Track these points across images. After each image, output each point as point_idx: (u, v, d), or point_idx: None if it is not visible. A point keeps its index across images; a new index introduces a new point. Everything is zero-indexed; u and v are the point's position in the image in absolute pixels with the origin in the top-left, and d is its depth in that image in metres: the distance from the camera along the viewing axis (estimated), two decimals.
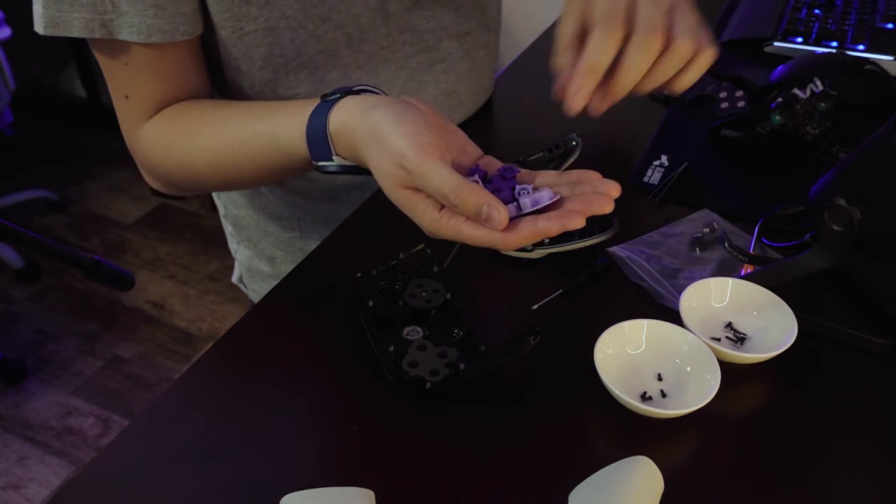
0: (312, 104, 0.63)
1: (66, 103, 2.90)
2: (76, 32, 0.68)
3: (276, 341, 0.69)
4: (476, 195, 0.52)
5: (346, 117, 0.60)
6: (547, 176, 0.58)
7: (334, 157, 0.62)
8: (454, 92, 0.90)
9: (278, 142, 0.65)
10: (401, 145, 0.54)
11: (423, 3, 0.82)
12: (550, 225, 0.52)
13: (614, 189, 0.55)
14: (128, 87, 0.74)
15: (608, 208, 0.54)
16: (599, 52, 0.59)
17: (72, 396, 1.95)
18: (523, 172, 0.59)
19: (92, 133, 2.80)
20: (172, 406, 0.64)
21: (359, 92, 0.63)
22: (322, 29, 0.76)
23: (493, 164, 0.60)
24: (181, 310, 2.19)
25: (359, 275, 0.70)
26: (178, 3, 0.68)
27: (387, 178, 0.56)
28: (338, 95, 0.62)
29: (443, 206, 0.54)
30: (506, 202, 0.54)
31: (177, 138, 0.73)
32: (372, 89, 0.64)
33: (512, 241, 0.53)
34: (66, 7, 0.67)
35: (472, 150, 0.61)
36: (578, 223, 0.52)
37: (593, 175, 0.57)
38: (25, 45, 2.20)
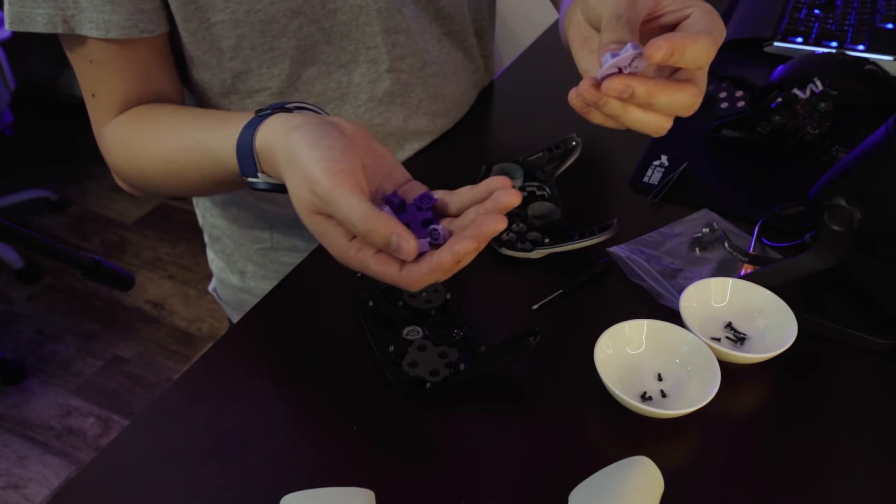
0: (248, 117, 0.62)
1: (66, 103, 2.90)
2: (40, 28, 0.69)
3: (276, 341, 0.69)
4: (384, 226, 0.50)
5: (269, 136, 0.59)
6: (461, 194, 0.55)
7: (259, 175, 0.61)
8: (440, 95, 0.89)
9: (215, 154, 0.65)
10: (314, 171, 0.52)
11: (407, 3, 0.80)
12: (442, 256, 0.50)
13: (514, 198, 0.52)
14: (94, 85, 0.75)
15: (499, 227, 0.51)
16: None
17: (72, 396, 1.95)
18: (440, 198, 0.56)
19: (92, 133, 2.80)
20: (172, 406, 0.64)
21: (291, 109, 0.62)
22: (295, 23, 0.75)
23: (416, 191, 0.58)
24: (181, 310, 2.19)
25: (359, 275, 0.70)
26: (136, 0, 0.69)
27: (300, 202, 0.54)
28: (269, 112, 0.61)
29: (354, 236, 0.53)
30: (416, 234, 0.51)
31: (133, 140, 0.74)
32: (308, 107, 0.63)
33: (413, 280, 0.51)
34: (30, 3, 0.68)
35: (398, 176, 0.59)
36: (468, 246, 0.50)
37: (500, 184, 0.53)
38: (25, 45, 2.20)
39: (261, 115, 0.61)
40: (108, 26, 0.69)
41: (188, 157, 0.68)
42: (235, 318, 1.05)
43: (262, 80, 0.78)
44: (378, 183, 0.57)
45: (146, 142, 0.73)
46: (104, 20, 0.69)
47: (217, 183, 0.69)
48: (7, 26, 0.70)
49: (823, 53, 1.01)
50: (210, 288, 1.07)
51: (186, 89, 0.83)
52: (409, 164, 0.89)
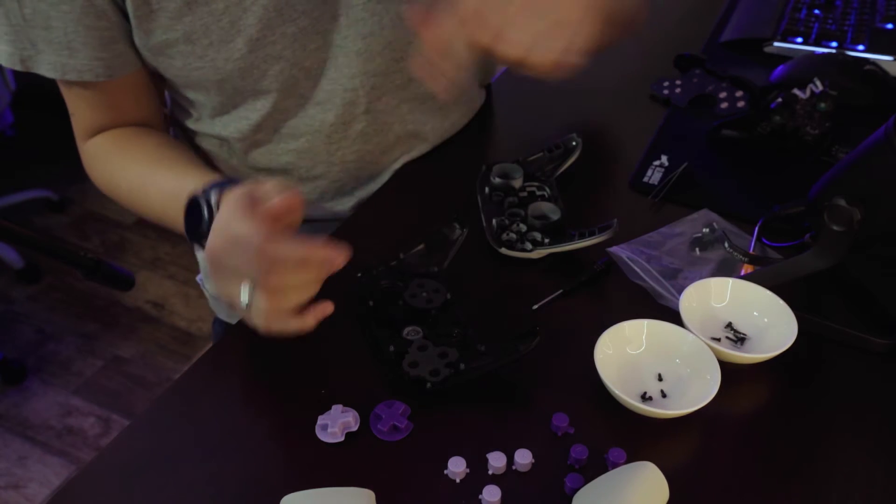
0: (207, 179, 0.67)
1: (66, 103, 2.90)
2: (3, 62, 0.73)
3: (275, 341, 0.69)
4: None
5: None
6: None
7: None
8: (420, 132, 0.87)
9: (177, 206, 0.69)
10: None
11: (390, 44, 0.78)
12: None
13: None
14: (71, 106, 0.81)
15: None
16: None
17: (72, 396, 1.95)
18: None
19: None
20: (172, 406, 0.64)
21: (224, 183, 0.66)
22: (276, 68, 0.75)
23: None
24: (181, 310, 2.19)
25: (359, 275, 0.70)
26: (94, 49, 0.72)
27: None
28: (224, 183, 0.66)
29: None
30: None
31: (109, 164, 0.81)
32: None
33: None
34: None
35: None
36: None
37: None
38: None
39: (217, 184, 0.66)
40: (64, 69, 0.73)
41: (155, 199, 0.75)
42: (220, 314, 1.04)
43: (247, 111, 0.80)
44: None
45: (121, 170, 0.80)
46: (61, 63, 0.72)
47: (170, 225, 0.75)
48: None
49: (823, 53, 1.02)
50: (198, 278, 1.07)
51: (181, 105, 0.84)
52: (409, 164, 0.89)
